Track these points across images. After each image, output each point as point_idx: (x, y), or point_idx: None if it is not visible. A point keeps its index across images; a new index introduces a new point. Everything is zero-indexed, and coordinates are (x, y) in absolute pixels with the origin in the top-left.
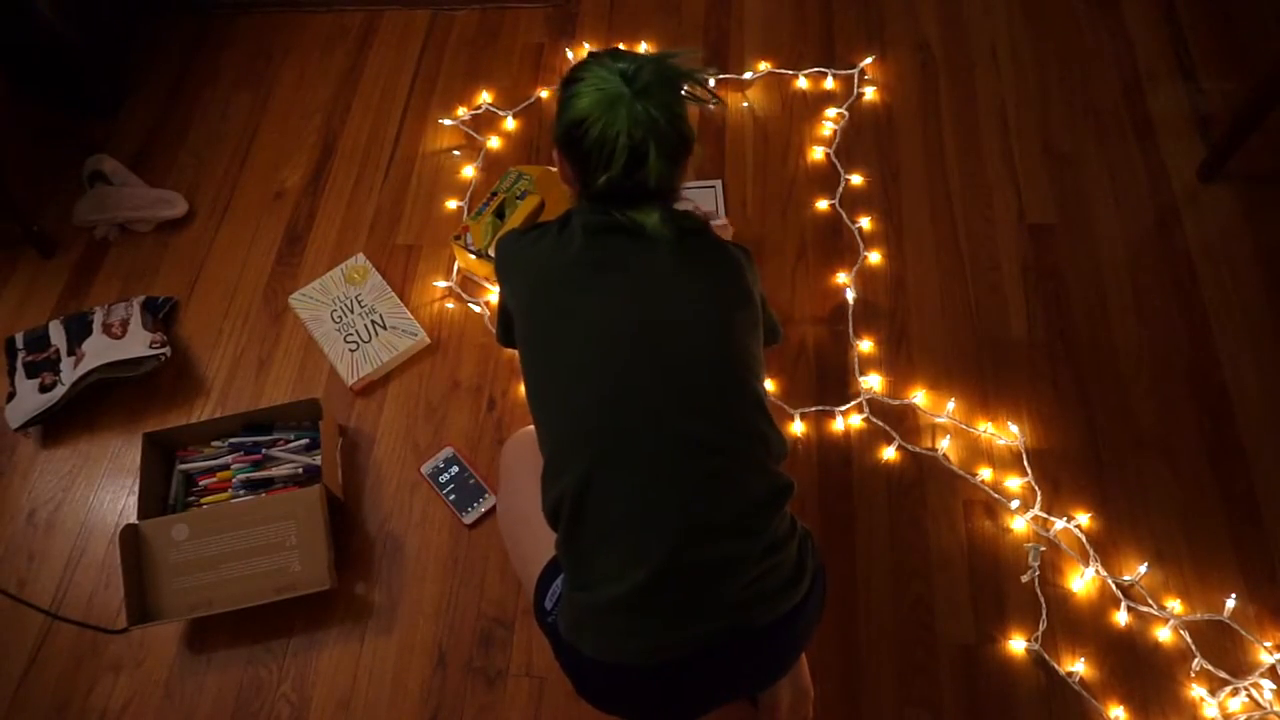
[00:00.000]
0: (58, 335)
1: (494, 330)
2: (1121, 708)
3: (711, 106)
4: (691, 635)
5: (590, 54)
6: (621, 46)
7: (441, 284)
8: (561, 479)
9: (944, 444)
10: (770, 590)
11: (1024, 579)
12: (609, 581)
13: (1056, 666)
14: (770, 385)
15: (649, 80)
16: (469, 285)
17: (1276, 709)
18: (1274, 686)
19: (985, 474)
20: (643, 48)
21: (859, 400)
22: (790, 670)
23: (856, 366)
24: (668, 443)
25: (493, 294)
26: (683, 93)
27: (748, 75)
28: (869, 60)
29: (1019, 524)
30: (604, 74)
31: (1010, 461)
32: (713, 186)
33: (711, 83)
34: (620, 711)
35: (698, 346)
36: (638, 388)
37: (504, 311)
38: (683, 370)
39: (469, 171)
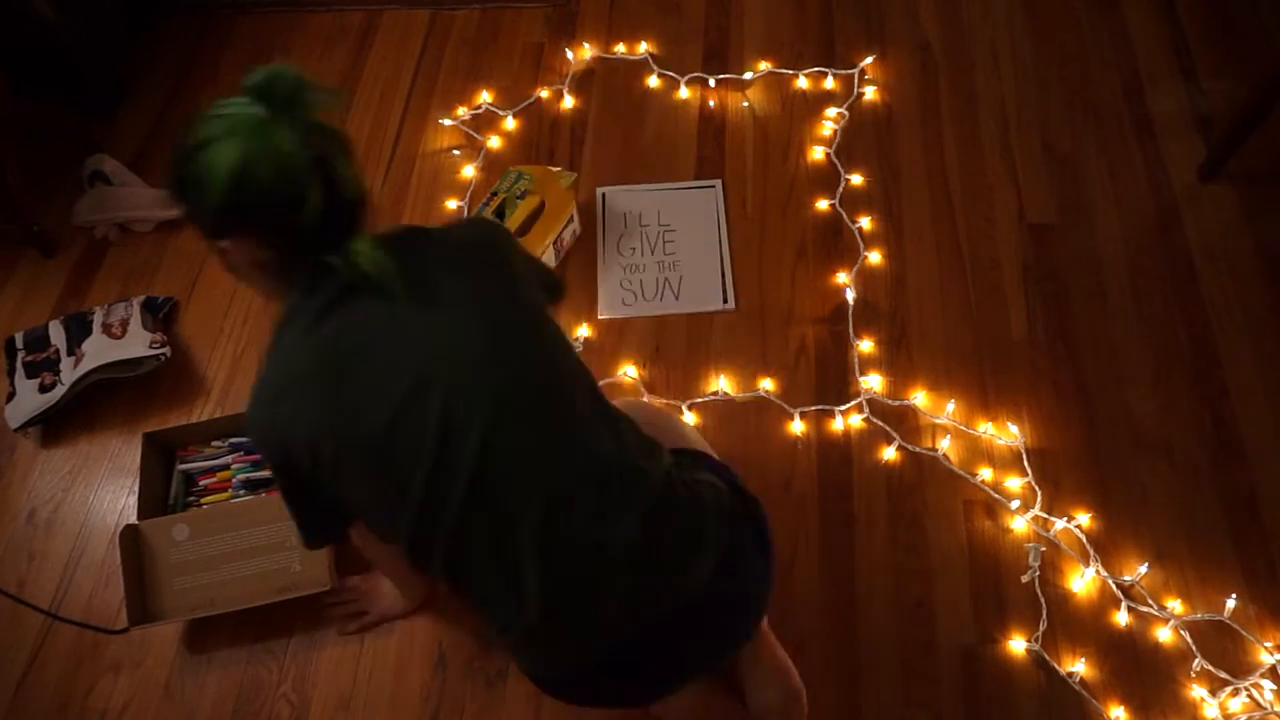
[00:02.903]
0: (58, 335)
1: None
2: (1122, 708)
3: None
4: (619, 631)
5: (194, 119)
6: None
7: None
8: (430, 563)
9: (944, 444)
10: (667, 564)
11: (1024, 579)
12: (516, 618)
13: (1057, 667)
14: (770, 384)
15: (290, 89)
16: None
17: (1277, 709)
18: (1274, 687)
19: (985, 474)
20: (643, 48)
21: (859, 400)
22: (756, 629)
23: (856, 366)
24: (498, 469)
25: None
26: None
27: (748, 75)
28: (869, 60)
29: (1019, 524)
30: (225, 117)
31: (1010, 461)
32: (713, 187)
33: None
34: (600, 705)
35: (497, 361)
36: (453, 443)
37: (306, 492)
38: (498, 389)
39: (469, 171)
